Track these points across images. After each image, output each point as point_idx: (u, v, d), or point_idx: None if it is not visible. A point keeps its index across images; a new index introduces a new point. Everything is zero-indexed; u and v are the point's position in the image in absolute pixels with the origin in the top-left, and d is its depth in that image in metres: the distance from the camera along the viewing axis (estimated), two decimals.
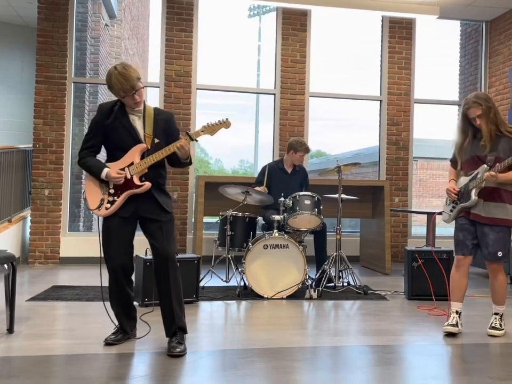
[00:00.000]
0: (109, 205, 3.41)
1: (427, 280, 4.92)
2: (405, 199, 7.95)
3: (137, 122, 3.45)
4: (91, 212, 3.53)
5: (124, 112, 3.44)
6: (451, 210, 4.05)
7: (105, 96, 9.71)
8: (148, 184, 3.40)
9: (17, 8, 7.96)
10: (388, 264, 6.66)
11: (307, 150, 6.06)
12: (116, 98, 3.44)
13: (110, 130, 3.42)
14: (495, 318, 3.96)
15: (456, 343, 3.79)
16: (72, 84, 7.25)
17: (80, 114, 8.22)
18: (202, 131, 3.45)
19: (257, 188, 5.68)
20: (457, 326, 3.97)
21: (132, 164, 3.40)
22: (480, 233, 3.88)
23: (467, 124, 3.93)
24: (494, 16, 8.08)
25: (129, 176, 3.39)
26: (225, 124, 3.48)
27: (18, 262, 6.56)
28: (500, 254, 3.81)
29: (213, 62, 8.47)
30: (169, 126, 3.53)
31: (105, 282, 3.59)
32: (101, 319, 4.10)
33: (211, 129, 3.45)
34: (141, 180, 3.41)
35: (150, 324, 3.67)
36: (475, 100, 3.83)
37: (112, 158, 3.48)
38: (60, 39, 7.08)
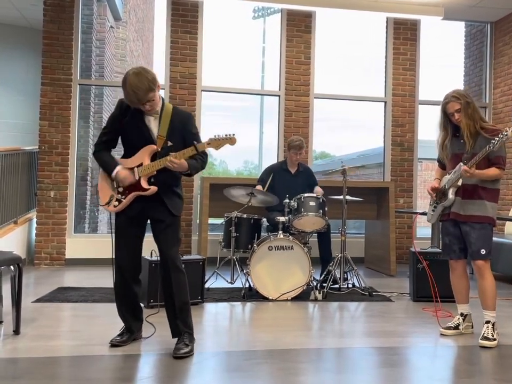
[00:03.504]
0: (116, 203, 3.43)
1: (432, 282, 4.90)
2: (409, 201, 7.94)
3: (153, 123, 3.42)
4: (101, 206, 3.55)
5: (140, 111, 3.38)
6: (433, 210, 4.05)
7: (111, 97, 9.74)
8: (153, 189, 3.38)
9: (22, 10, 7.99)
10: (393, 265, 6.66)
11: (295, 147, 5.85)
12: None
13: (124, 127, 3.42)
14: (487, 327, 3.75)
15: (461, 344, 3.78)
16: (78, 85, 7.27)
17: (86, 116, 8.25)
18: (208, 143, 3.37)
19: (258, 187, 5.71)
20: (458, 329, 3.97)
21: (141, 165, 3.40)
22: (463, 232, 3.86)
23: (446, 121, 3.92)
24: (498, 17, 8.07)
25: (137, 177, 3.39)
26: (231, 140, 3.38)
27: (24, 264, 6.58)
28: (483, 251, 3.76)
29: (218, 64, 8.48)
30: (184, 127, 3.47)
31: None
32: (107, 320, 4.12)
33: (217, 143, 3.37)
34: (149, 182, 3.40)
35: (156, 325, 3.68)
36: (454, 95, 3.84)
37: (126, 154, 3.49)
38: (65, 41, 7.10)
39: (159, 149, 3.39)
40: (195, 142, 3.37)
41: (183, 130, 3.46)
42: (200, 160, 3.46)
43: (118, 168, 3.41)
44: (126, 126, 3.41)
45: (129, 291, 3.53)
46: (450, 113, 3.86)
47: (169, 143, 3.41)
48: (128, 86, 3.22)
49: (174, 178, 3.49)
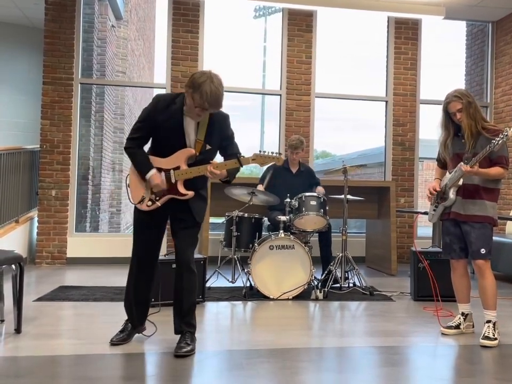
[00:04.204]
0: (150, 203, 3.39)
1: (433, 281, 4.89)
2: (410, 200, 7.94)
3: (191, 126, 3.35)
4: (132, 203, 3.49)
5: (179, 113, 3.32)
6: (434, 210, 4.04)
7: (112, 97, 9.75)
8: (191, 194, 3.35)
9: (23, 9, 8.00)
10: (394, 265, 6.66)
11: (292, 147, 5.85)
12: (175, 92, 3.33)
13: (160, 127, 3.33)
14: (488, 326, 3.75)
15: (462, 344, 3.78)
16: (79, 84, 7.27)
17: (87, 115, 8.26)
18: (253, 159, 3.33)
19: (259, 187, 5.70)
20: (458, 328, 3.97)
21: (178, 168, 3.35)
22: (463, 232, 3.86)
23: (448, 120, 3.93)
24: (500, 16, 8.07)
25: (173, 181, 3.36)
26: (277, 159, 3.34)
27: (26, 263, 6.59)
28: (482, 251, 3.76)
29: (219, 63, 8.48)
30: (221, 130, 3.42)
31: (119, 283, 3.58)
32: (108, 319, 4.12)
33: (262, 160, 3.33)
34: (184, 185, 3.37)
35: (157, 324, 3.67)
36: (456, 94, 3.84)
37: (155, 150, 3.42)
38: (67, 40, 7.11)
39: (197, 154, 3.35)
40: (238, 155, 3.34)
41: (220, 133, 3.42)
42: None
43: (152, 172, 3.34)
44: (161, 126, 3.33)
45: (143, 284, 3.52)
46: (452, 112, 3.86)
47: (208, 147, 3.37)
48: (211, 93, 3.16)
49: (202, 181, 3.45)
